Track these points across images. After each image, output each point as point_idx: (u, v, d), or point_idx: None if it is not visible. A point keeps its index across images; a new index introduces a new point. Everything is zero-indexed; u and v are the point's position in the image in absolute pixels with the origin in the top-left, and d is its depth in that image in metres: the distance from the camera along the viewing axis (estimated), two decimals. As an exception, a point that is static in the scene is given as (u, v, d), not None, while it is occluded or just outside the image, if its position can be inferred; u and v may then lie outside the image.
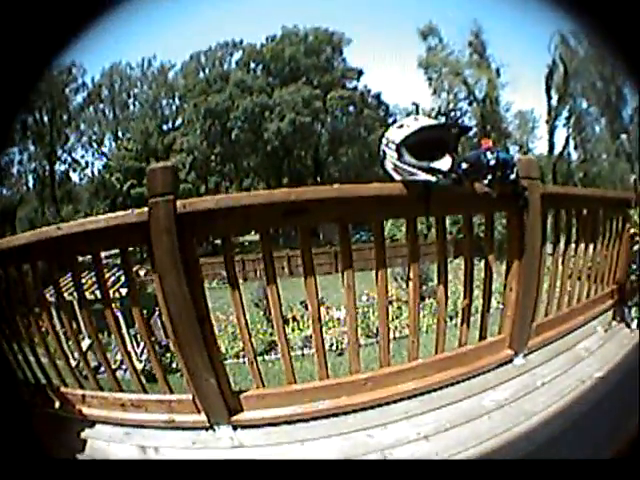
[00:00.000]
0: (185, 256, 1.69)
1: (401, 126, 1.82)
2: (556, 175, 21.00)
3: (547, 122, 23.25)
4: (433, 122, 1.81)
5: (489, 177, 1.91)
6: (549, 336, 2.34)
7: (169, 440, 1.89)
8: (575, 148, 22.80)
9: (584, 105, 22.00)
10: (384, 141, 1.86)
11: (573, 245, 2.56)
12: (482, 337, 2.17)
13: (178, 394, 1.99)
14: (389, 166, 1.83)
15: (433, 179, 1.76)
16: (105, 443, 1.92)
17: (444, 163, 1.77)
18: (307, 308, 6.18)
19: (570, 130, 22.63)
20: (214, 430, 1.88)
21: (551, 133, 23.18)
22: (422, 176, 1.76)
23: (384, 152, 1.85)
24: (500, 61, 22.63)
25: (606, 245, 2.73)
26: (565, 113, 22.68)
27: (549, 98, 22.72)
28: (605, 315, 2.67)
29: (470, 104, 22.66)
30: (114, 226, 1.81)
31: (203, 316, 1.76)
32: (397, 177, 1.81)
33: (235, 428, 1.87)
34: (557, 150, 23.00)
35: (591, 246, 2.62)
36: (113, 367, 2.25)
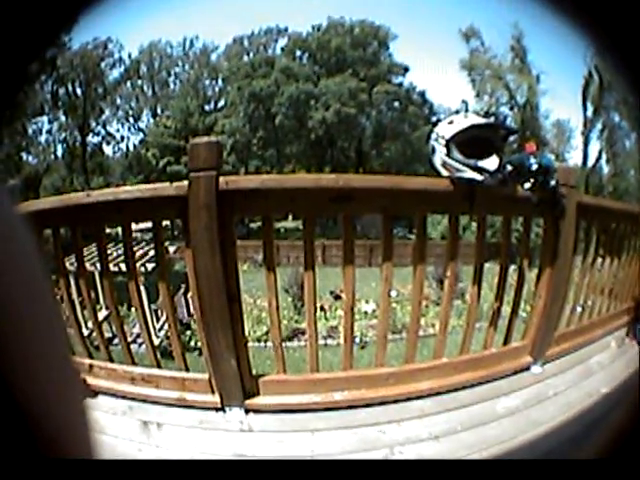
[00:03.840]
0: (222, 234, 1.66)
1: (451, 122, 1.80)
2: (588, 187, 20.74)
3: (582, 133, 23.19)
4: (482, 121, 1.79)
5: (531, 181, 1.89)
6: (567, 347, 2.34)
7: (174, 418, 1.86)
8: (607, 162, 22.73)
9: (616, 119, 21.89)
10: (433, 136, 1.84)
11: (599, 258, 2.56)
12: (506, 342, 2.17)
13: (193, 372, 1.97)
14: (438, 161, 1.81)
15: (480, 178, 1.74)
16: (105, 414, 1.88)
17: (491, 163, 1.75)
18: (337, 298, 6.17)
19: (603, 143, 22.57)
20: (225, 412, 1.85)
21: (585, 144, 23.12)
22: (469, 174, 1.74)
23: (433, 147, 1.83)
24: (540, 68, 22.54)
25: (628, 261, 2.73)
26: (599, 126, 22.63)
27: (585, 109, 22.60)
28: (622, 330, 2.68)
29: (511, 109, 22.77)
30: (149, 197, 1.79)
31: (234, 296, 1.73)
32: (445, 173, 1.80)
33: (247, 412, 1.84)
34: (590, 162, 22.94)
35: (615, 260, 2.62)
36: (129, 340, 2.22)
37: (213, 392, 1.86)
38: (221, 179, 1.65)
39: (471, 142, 1.76)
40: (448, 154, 1.77)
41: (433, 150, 1.84)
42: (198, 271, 1.70)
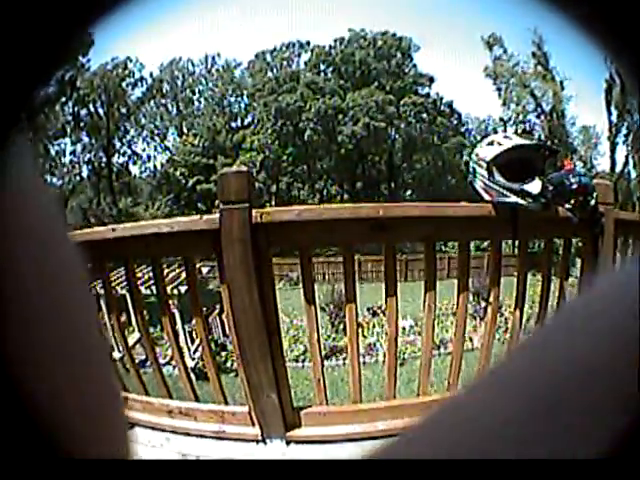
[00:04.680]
0: (259, 268, 1.60)
1: (491, 143, 1.73)
2: (617, 193, 20.47)
3: (609, 138, 22.53)
4: (524, 142, 1.72)
5: (571, 202, 1.83)
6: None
7: (213, 449, 1.82)
8: (634, 166, 22.03)
9: (640, 122, 21.10)
10: (474, 157, 1.77)
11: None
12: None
13: (232, 406, 1.93)
14: (479, 184, 1.74)
15: (524, 202, 1.68)
16: (142, 447, 1.86)
17: (535, 186, 1.68)
18: (374, 315, 6.09)
19: (629, 147, 21.90)
20: (265, 444, 1.81)
21: (612, 150, 22.49)
22: (513, 198, 1.68)
23: (474, 170, 1.76)
24: (563, 74, 22.10)
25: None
26: (624, 130, 21.96)
27: (609, 114, 21.93)
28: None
29: (538, 117, 22.40)
30: (179, 232, 1.72)
31: (273, 331, 1.68)
32: (486, 197, 1.73)
33: (289, 443, 1.80)
34: (618, 167, 22.30)
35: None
36: (162, 362, 2.19)
37: (253, 424, 1.82)
38: (254, 211, 1.58)
39: (512, 163, 1.69)
40: (490, 177, 1.70)
41: (474, 173, 1.77)
42: (235, 307, 1.65)
